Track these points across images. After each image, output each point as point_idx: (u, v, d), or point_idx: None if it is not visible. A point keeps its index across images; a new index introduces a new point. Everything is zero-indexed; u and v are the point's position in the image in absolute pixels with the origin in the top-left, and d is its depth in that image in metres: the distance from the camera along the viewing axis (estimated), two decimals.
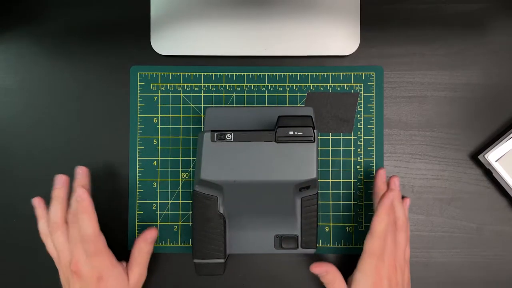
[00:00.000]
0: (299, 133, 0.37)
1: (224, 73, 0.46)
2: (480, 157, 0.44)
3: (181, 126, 0.46)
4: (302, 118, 0.38)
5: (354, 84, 0.46)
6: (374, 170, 0.45)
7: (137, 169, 0.46)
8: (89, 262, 0.38)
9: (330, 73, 0.46)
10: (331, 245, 0.45)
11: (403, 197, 0.44)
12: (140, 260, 0.41)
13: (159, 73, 0.46)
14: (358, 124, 0.46)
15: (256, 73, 0.46)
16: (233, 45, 0.45)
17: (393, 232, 0.39)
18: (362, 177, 0.45)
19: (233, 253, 0.42)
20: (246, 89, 0.46)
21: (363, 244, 0.39)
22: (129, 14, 0.46)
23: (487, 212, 0.45)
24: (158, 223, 0.46)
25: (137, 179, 0.46)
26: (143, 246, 0.41)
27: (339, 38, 0.45)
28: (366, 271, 0.38)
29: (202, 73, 0.46)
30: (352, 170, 0.45)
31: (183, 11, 0.45)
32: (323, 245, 0.45)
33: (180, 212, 0.46)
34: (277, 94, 0.46)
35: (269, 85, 0.46)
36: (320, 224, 0.45)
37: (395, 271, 0.38)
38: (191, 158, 0.46)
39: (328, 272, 0.40)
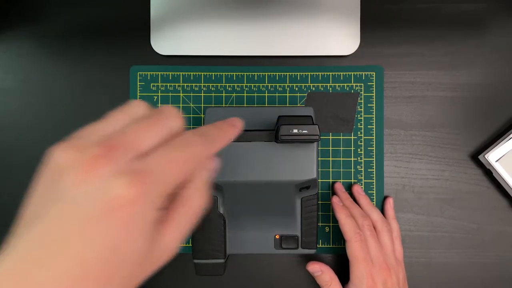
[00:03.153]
0: (303, 131, 0.37)
1: (224, 73, 0.46)
2: (480, 157, 0.44)
3: None
4: (302, 118, 0.38)
5: (354, 84, 0.46)
6: (374, 170, 0.45)
7: None
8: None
9: (330, 73, 0.46)
10: (331, 245, 0.45)
11: (386, 197, 0.45)
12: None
13: (159, 73, 0.46)
14: (358, 124, 0.45)
15: (256, 73, 0.46)
16: (233, 45, 0.45)
17: (374, 236, 0.39)
18: (363, 177, 0.45)
19: (233, 253, 0.42)
20: (246, 89, 0.46)
21: None
22: (129, 14, 0.46)
23: (487, 212, 0.45)
24: None
25: None
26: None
27: (339, 38, 0.45)
28: (357, 277, 0.38)
29: (202, 73, 0.46)
30: (352, 170, 0.45)
31: (183, 11, 0.45)
32: (323, 245, 0.45)
33: None
34: (277, 94, 0.46)
35: (269, 85, 0.46)
36: (320, 224, 0.45)
37: (389, 273, 0.38)
38: None
39: (323, 272, 0.40)
